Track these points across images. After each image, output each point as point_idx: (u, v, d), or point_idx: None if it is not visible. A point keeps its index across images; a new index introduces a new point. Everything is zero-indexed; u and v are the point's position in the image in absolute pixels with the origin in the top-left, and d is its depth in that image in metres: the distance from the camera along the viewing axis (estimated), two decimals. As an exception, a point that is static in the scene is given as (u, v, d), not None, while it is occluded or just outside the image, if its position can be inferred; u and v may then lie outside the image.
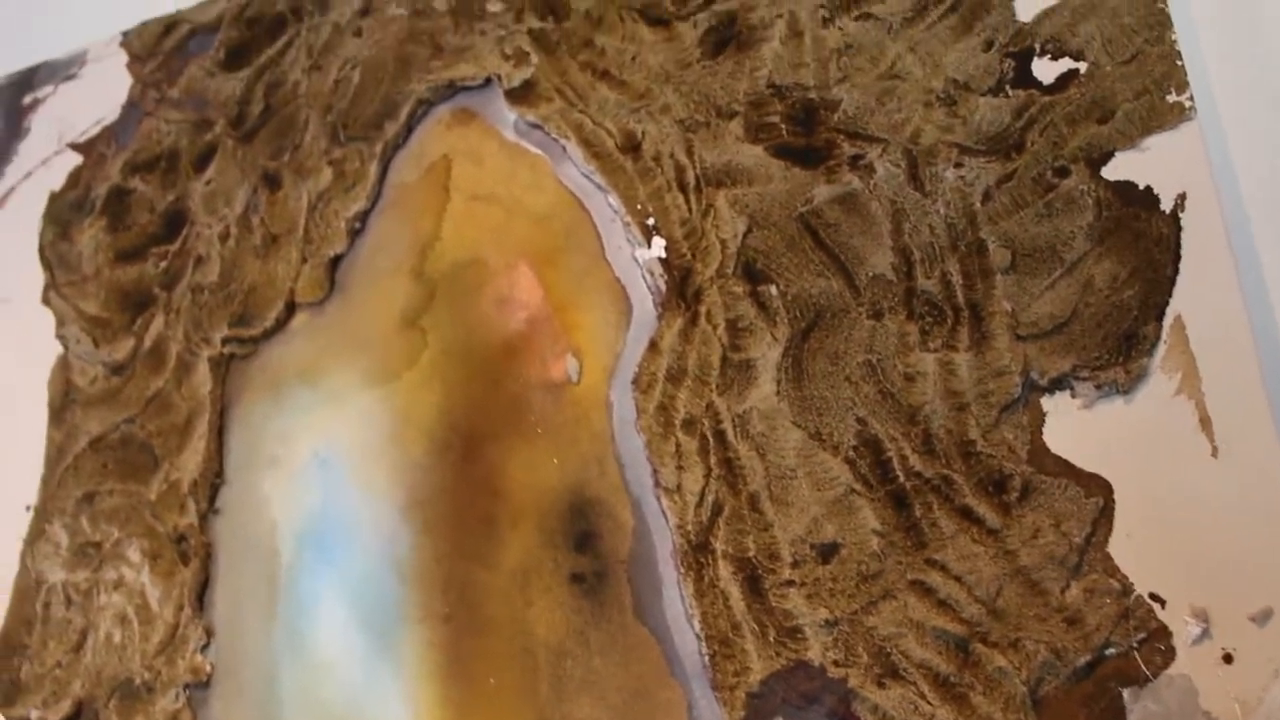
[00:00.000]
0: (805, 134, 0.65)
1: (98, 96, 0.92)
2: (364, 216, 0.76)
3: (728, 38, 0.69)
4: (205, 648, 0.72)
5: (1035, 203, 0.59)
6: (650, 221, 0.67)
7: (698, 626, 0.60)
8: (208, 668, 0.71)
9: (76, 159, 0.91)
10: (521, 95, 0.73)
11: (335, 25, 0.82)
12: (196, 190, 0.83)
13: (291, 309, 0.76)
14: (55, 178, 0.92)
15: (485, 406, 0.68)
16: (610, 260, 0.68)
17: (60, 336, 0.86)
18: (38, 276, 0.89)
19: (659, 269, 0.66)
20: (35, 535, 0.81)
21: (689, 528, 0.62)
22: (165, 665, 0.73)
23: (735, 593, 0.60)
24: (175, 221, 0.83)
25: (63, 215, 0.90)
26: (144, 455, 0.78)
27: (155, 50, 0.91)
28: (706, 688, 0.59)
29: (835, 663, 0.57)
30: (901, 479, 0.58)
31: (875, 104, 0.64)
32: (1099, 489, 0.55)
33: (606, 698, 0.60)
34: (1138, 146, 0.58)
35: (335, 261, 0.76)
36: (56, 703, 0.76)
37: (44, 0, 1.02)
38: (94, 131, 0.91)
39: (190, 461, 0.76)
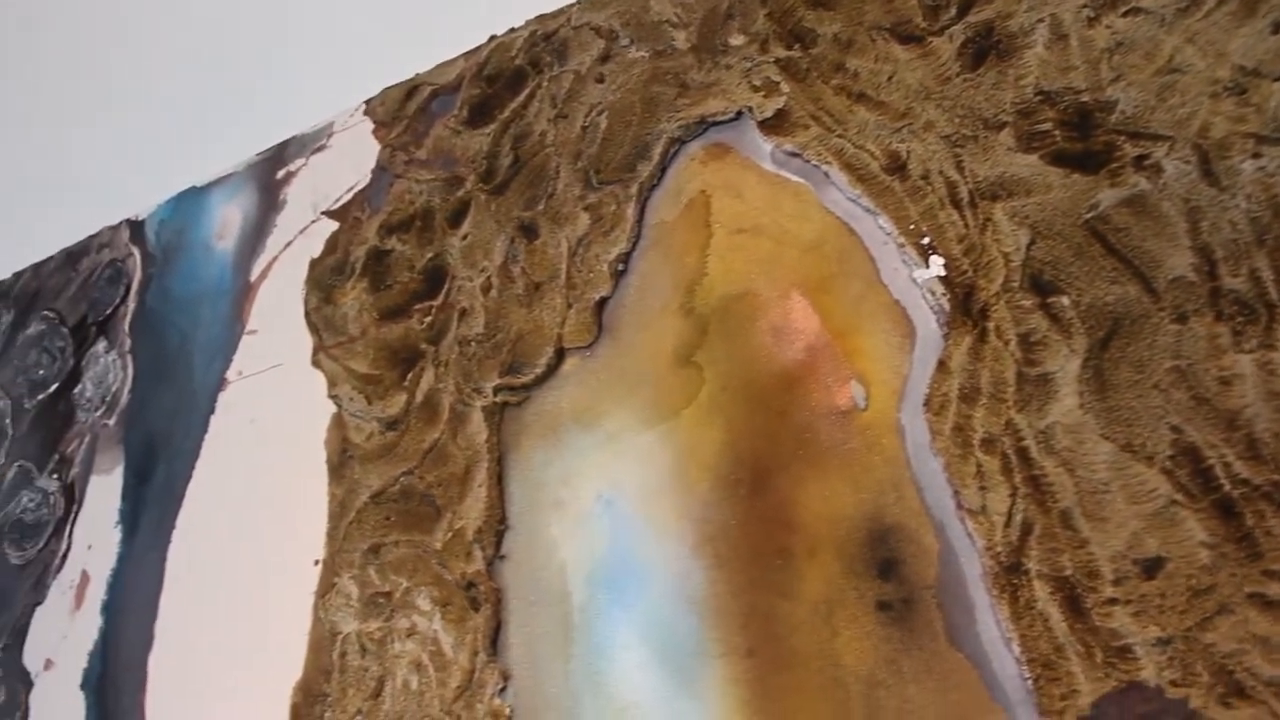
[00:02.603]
0: (1082, 138, 0.64)
1: (348, 164, 0.96)
2: (626, 258, 0.77)
3: (987, 48, 0.68)
4: (503, 691, 0.73)
5: (1349, 188, 0.56)
6: (925, 241, 0.66)
7: (1017, 650, 0.58)
8: (507, 711, 0.73)
9: (332, 225, 0.95)
10: (776, 125, 0.73)
11: (576, 74, 0.83)
12: (454, 245, 0.86)
13: (561, 354, 0.78)
14: (314, 245, 0.96)
15: (770, 438, 0.68)
16: (887, 283, 0.67)
17: (333, 396, 0.89)
18: (306, 340, 0.93)
19: (940, 288, 0.65)
20: (325, 588, 0.84)
21: (999, 549, 0.60)
22: (464, 710, 0.74)
23: (1055, 613, 0.58)
24: (436, 277, 0.86)
25: (324, 280, 0.94)
26: (425, 506, 0.81)
27: (399, 115, 0.94)
28: (1032, 713, 0.57)
29: (1173, 683, 0.55)
30: (1227, 487, 0.56)
31: (1155, 101, 0.62)
32: None
33: (926, 727, 0.59)
34: None
35: (601, 304, 0.77)
36: (360, 750, 0.79)
37: (288, 78, 1.07)
38: (347, 198, 0.95)
39: (472, 509, 0.78)
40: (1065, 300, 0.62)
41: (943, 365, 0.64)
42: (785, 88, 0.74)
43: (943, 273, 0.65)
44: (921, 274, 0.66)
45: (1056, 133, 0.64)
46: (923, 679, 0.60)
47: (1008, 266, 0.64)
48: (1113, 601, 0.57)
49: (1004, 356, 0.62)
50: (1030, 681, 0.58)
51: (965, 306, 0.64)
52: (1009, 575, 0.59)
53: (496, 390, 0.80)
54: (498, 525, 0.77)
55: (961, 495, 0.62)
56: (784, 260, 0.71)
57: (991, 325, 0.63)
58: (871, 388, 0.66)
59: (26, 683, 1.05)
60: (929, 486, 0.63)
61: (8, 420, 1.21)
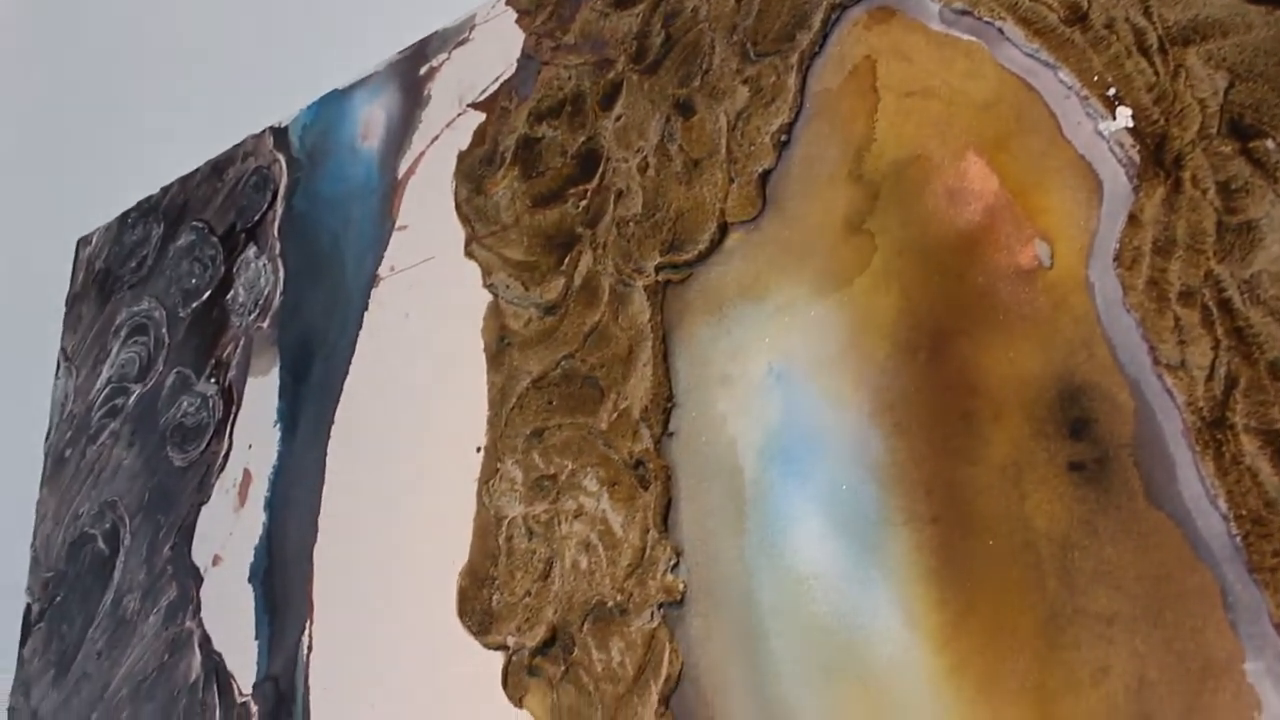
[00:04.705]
0: (1284, -27, 0.60)
1: (492, 55, 0.96)
2: (789, 129, 0.75)
3: (1174, -114, 0.64)
4: (675, 567, 0.74)
5: None
6: (1111, 92, 0.63)
7: (1223, 506, 0.56)
8: (680, 586, 0.73)
9: (479, 117, 0.95)
10: (944, -17, 0.71)
11: (727, -54, 0.81)
12: (607, 128, 0.85)
13: (724, 229, 0.76)
14: (461, 138, 0.96)
15: (950, 302, 0.66)
16: (1069, 137, 0.64)
17: (489, 285, 0.89)
18: (457, 233, 0.94)
19: (1129, 139, 0.62)
20: (489, 474, 0.85)
21: (1200, 404, 0.58)
22: (637, 587, 0.75)
23: (1265, 468, 0.56)
24: (590, 160, 0.85)
25: (474, 171, 0.94)
26: (588, 388, 0.81)
27: (542, 2, 0.93)
28: (1241, 570, 0.55)
29: (1396, 535, 0.53)
30: None
31: (1370, -73, 0.58)
32: None
33: (1125, 588, 0.58)
34: None
35: (764, 177, 0.75)
36: (531, 629, 0.80)
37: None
38: (493, 89, 0.95)
39: (638, 389, 0.78)
40: (1270, 144, 0.58)
41: (1134, 218, 0.61)
42: (953, -56, 0.71)
43: (1131, 124, 0.63)
44: (1108, 126, 0.63)
45: (1255, -30, 0.61)
46: (1120, 539, 0.58)
47: (1204, 113, 0.60)
48: (1328, 454, 0.55)
49: (1201, 206, 0.60)
50: (1239, 538, 0.56)
51: (1157, 157, 0.61)
52: (1213, 430, 0.57)
53: (658, 269, 0.79)
54: (665, 403, 0.76)
55: (1159, 351, 0.59)
56: (958, 121, 0.68)
57: (1187, 175, 0.60)
58: (1057, 245, 0.63)
59: (196, 578, 1.08)
60: (1122, 344, 0.61)
61: (164, 329, 1.24)
